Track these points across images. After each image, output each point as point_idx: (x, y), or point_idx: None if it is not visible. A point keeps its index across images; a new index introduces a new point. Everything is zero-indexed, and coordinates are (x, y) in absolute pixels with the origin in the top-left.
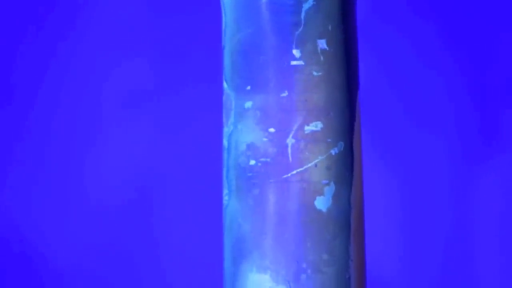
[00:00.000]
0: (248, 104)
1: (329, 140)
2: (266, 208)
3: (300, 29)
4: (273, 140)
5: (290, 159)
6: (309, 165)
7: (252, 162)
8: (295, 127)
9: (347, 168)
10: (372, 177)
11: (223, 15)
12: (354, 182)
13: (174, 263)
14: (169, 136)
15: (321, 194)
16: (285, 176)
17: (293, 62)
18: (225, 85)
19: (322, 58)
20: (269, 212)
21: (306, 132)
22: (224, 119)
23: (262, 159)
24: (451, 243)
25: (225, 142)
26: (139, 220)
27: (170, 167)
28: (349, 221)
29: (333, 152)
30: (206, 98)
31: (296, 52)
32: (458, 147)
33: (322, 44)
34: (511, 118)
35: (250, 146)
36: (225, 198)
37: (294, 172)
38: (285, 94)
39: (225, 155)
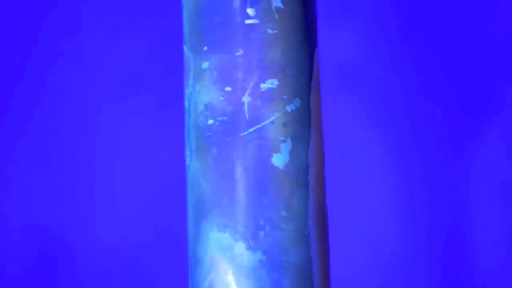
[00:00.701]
0: (205, 64)
1: (285, 97)
2: (224, 166)
3: None
4: (229, 98)
5: (247, 116)
6: (266, 122)
7: (210, 121)
8: (251, 85)
9: (304, 125)
10: (336, 135)
11: None
12: (313, 138)
13: (141, 226)
14: (132, 103)
15: (278, 151)
16: (242, 134)
17: (248, 21)
18: (184, 47)
19: (277, 16)
20: (227, 171)
21: (262, 90)
22: (184, 81)
23: (220, 118)
24: (405, 207)
25: (186, 104)
26: (102, 179)
27: (134, 132)
28: (307, 178)
29: (289, 109)
30: (168, 62)
31: (250, 11)
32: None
33: (276, 2)
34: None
35: (208, 106)
36: (187, 159)
37: (251, 129)
38: (240, 53)
39: (186, 116)
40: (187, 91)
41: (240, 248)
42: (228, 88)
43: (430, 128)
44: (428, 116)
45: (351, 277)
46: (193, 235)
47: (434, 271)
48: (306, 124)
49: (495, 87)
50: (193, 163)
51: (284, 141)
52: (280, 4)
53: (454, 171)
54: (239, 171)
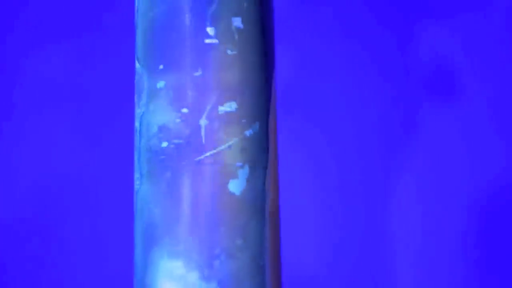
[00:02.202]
0: (161, 84)
1: (244, 120)
2: (179, 191)
3: (215, 6)
4: (186, 120)
5: (204, 140)
6: (223, 146)
7: (164, 144)
8: (208, 107)
9: (262, 150)
10: (290, 160)
11: None
12: (270, 164)
13: (85, 251)
14: (79, 120)
15: (235, 177)
16: (198, 158)
17: (207, 40)
18: (137, 64)
19: (236, 36)
20: (182, 196)
21: (220, 113)
22: (136, 100)
23: (175, 141)
24: (371, 233)
25: (136, 124)
26: (49, 204)
27: (81, 152)
28: (264, 205)
29: (247, 133)
30: (118, 79)
31: (210, 30)
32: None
33: (237, 22)
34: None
35: (162, 128)
36: (136, 182)
37: (208, 154)
38: (199, 73)
39: (136, 137)
40: (139, 111)
41: (193, 277)
42: (184, 110)
43: (390, 152)
44: (387, 140)
45: None
46: (141, 264)
47: None
48: (265, 150)
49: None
50: (143, 188)
51: (241, 166)
52: (240, 24)
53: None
54: (194, 197)
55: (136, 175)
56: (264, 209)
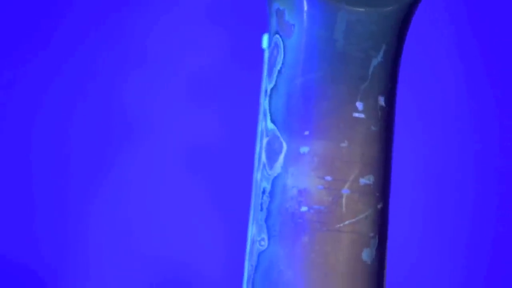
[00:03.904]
0: (304, 149)
1: (377, 194)
2: (314, 257)
3: (366, 83)
4: (329, 188)
5: (344, 209)
6: (361, 216)
7: (304, 208)
8: (351, 178)
9: (385, 224)
10: None
11: (280, 54)
12: (387, 239)
13: None
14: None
15: (368, 246)
16: (337, 225)
17: (355, 114)
18: (271, 125)
19: (379, 114)
20: (317, 261)
21: (360, 184)
22: (265, 161)
23: (316, 207)
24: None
25: (266, 185)
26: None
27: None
28: (383, 276)
29: (379, 206)
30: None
31: (359, 105)
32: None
33: (381, 100)
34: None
35: (302, 192)
36: (261, 242)
37: (347, 222)
38: (345, 144)
39: (264, 198)
40: (271, 172)
41: None
42: (328, 178)
43: None
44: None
45: None
46: None
47: None
48: (386, 225)
49: None
50: (272, 248)
51: (373, 237)
52: (383, 103)
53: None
54: (330, 262)
55: (261, 235)
56: (384, 279)
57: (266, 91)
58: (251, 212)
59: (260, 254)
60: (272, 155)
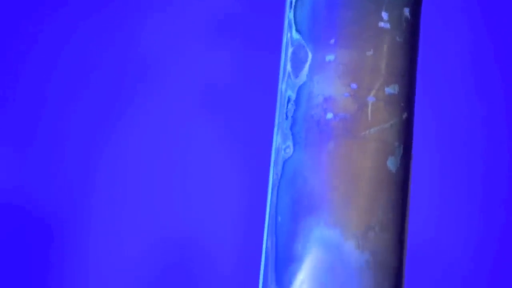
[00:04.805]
0: (330, 57)
1: (402, 104)
2: (339, 163)
3: None
4: (354, 96)
5: (369, 117)
6: (386, 125)
7: (330, 115)
8: (376, 86)
9: (409, 135)
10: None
11: None
12: (412, 150)
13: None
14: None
15: (393, 154)
16: (363, 133)
17: (381, 24)
18: (296, 35)
19: (404, 25)
20: (342, 168)
21: (386, 93)
22: (290, 70)
23: (341, 114)
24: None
25: (291, 94)
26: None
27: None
28: (408, 185)
29: (403, 116)
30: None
31: (384, 15)
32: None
33: (406, 12)
34: None
35: (328, 99)
36: (287, 150)
37: (372, 130)
38: (370, 52)
39: (290, 107)
40: (297, 80)
41: (349, 247)
42: (354, 85)
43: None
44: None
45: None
46: (290, 232)
47: None
48: (411, 135)
49: None
50: (297, 155)
51: (398, 146)
52: (408, 15)
53: None
54: (355, 170)
55: (287, 143)
56: (408, 188)
57: (290, 3)
58: (276, 122)
59: (285, 161)
60: (297, 64)
